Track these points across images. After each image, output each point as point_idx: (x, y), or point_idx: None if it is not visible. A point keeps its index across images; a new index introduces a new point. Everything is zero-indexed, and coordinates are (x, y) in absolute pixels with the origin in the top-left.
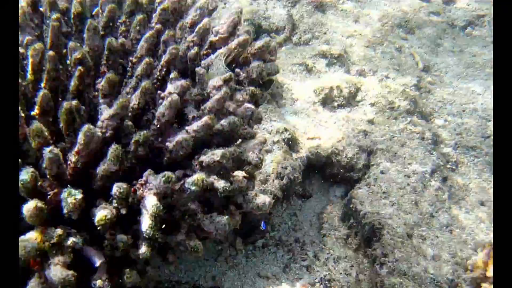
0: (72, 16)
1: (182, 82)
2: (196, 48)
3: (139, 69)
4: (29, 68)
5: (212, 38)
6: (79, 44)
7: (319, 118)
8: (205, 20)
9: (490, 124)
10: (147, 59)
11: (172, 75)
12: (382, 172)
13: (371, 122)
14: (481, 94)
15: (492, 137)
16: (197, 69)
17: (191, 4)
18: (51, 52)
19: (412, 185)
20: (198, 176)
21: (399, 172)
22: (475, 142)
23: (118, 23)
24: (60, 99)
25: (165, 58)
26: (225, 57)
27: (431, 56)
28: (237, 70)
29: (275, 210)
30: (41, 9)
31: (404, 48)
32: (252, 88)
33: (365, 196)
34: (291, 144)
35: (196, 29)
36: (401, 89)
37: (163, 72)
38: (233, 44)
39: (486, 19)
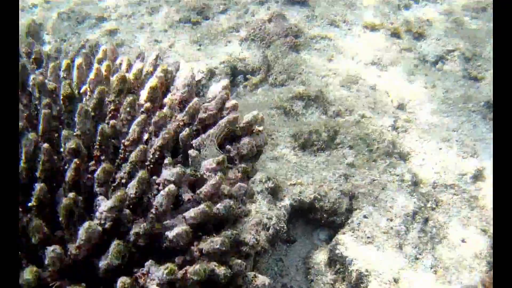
0: (61, 98)
1: (178, 169)
2: (187, 129)
3: (133, 156)
4: (23, 157)
5: (201, 115)
6: (72, 132)
7: (300, 163)
8: (195, 100)
9: (466, 160)
10: (141, 146)
11: (166, 161)
12: (365, 217)
13: (351, 165)
14: (456, 131)
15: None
16: (190, 152)
17: (175, 74)
18: (45, 145)
19: (396, 229)
20: (200, 266)
21: (382, 216)
22: (452, 180)
23: (106, 101)
24: (54, 184)
25: (158, 142)
26: (216, 138)
27: (405, 92)
28: (228, 146)
29: (261, 257)
30: (28, 89)
31: (378, 85)
32: (244, 166)
33: (350, 242)
34: (275, 192)
35: (187, 109)
36: (378, 130)
37: (156, 156)
38: (223, 122)
39: (456, 53)
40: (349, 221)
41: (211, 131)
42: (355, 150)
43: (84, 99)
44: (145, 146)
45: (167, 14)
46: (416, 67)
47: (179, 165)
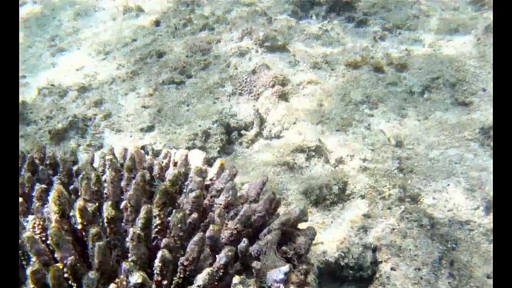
0: (105, 220)
1: None
2: (246, 241)
3: (200, 279)
4: None
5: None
6: (132, 265)
7: (316, 220)
8: (247, 208)
9: (476, 194)
10: (209, 270)
11: (235, 280)
12: (392, 269)
13: (367, 216)
14: (458, 163)
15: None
16: (253, 264)
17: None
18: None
19: (425, 278)
20: None
21: (409, 266)
22: (466, 216)
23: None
24: None
25: (222, 260)
26: (274, 244)
27: (400, 128)
28: (284, 248)
29: None
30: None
31: (372, 125)
32: (305, 267)
33: None
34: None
35: (239, 217)
36: (386, 175)
37: (221, 274)
38: (277, 225)
39: (440, 81)
40: (377, 275)
41: (268, 237)
42: (367, 199)
43: (125, 215)
44: (213, 269)
45: (149, 77)
46: (405, 101)
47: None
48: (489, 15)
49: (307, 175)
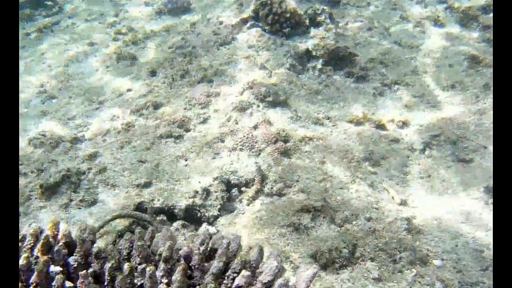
0: None
1: None
2: None
3: None
4: None
5: None
6: None
7: (325, 285)
8: None
9: (484, 254)
10: None
11: None
12: None
13: (378, 280)
14: (465, 223)
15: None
16: None
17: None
18: None
19: None
20: None
21: None
22: (476, 277)
23: None
24: None
25: None
26: None
27: (403, 186)
28: None
29: None
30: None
31: (376, 183)
32: None
33: None
34: None
35: None
36: (395, 238)
37: None
38: None
39: (441, 138)
40: None
41: None
42: (377, 262)
43: None
44: None
45: (146, 129)
46: (407, 158)
47: None
48: (486, 72)
49: (315, 237)
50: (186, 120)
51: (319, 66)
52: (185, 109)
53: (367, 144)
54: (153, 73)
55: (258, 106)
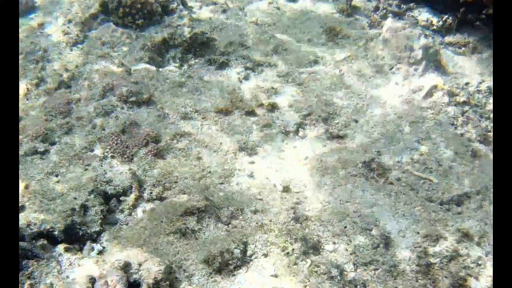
0: None
1: None
2: None
3: None
4: None
5: None
6: None
7: None
8: None
9: (373, 232)
10: None
11: None
12: None
13: (275, 276)
14: (349, 202)
15: None
16: None
17: None
18: None
19: None
20: None
21: None
22: (370, 256)
23: None
24: None
25: None
26: None
27: (282, 171)
28: None
29: None
30: None
31: (255, 172)
32: None
33: None
34: None
35: None
36: (284, 229)
37: None
38: None
39: (312, 116)
40: None
41: None
42: (271, 257)
43: None
44: None
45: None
46: (282, 142)
47: None
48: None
49: (203, 240)
50: (49, 133)
51: (178, 55)
52: (46, 120)
53: (240, 133)
54: None
55: (123, 108)
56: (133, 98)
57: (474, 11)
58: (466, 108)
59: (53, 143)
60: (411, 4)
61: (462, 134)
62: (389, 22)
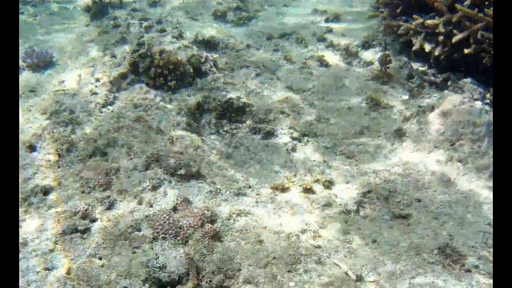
0: None
1: None
2: None
3: None
4: None
5: None
6: None
7: None
8: None
9: None
10: None
11: None
12: None
13: None
14: None
15: None
16: None
17: None
18: None
19: None
20: None
21: None
22: None
23: None
24: None
25: None
26: None
27: (350, 256)
28: None
29: None
30: None
31: (323, 258)
32: None
33: None
34: None
35: None
36: None
37: None
38: None
39: (373, 195)
40: None
41: None
42: None
43: None
44: None
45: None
46: (346, 223)
47: None
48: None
49: None
50: (89, 209)
51: (213, 120)
52: (83, 192)
53: (300, 213)
54: (31, 148)
55: (170, 181)
56: (181, 171)
57: None
58: None
59: (93, 220)
60: (450, 75)
61: None
62: (448, 94)
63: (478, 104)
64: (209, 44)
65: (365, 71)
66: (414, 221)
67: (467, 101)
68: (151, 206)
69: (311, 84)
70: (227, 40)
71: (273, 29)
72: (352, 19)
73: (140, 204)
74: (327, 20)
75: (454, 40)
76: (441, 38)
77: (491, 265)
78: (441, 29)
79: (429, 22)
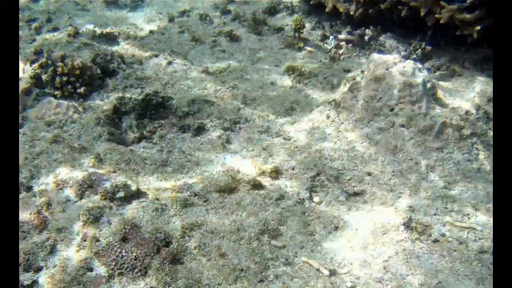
0: None
1: None
2: None
3: None
4: None
5: None
6: None
7: None
8: None
9: None
10: None
11: None
12: None
13: None
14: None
15: None
16: None
17: None
18: None
19: None
20: None
21: None
22: None
23: None
24: None
25: None
26: None
27: (317, 249)
28: None
29: None
30: None
31: (290, 258)
32: None
33: None
34: None
35: None
36: None
37: None
38: None
39: (321, 177)
40: None
41: None
42: None
43: None
44: None
45: None
46: (304, 214)
47: None
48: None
49: None
50: (30, 257)
51: (134, 122)
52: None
53: (254, 213)
54: None
55: (111, 208)
56: (120, 194)
57: (438, 33)
58: (474, 139)
59: (39, 269)
60: (367, 30)
61: (478, 169)
62: (376, 57)
63: (410, 63)
64: (109, 36)
65: (277, 39)
66: (370, 197)
67: (398, 61)
68: (98, 240)
69: (225, 63)
70: (127, 29)
71: (171, 8)
72: None
73: (84, 241)
74: None
75: None
76: None
77: (460, 233)
78: None
79: None
